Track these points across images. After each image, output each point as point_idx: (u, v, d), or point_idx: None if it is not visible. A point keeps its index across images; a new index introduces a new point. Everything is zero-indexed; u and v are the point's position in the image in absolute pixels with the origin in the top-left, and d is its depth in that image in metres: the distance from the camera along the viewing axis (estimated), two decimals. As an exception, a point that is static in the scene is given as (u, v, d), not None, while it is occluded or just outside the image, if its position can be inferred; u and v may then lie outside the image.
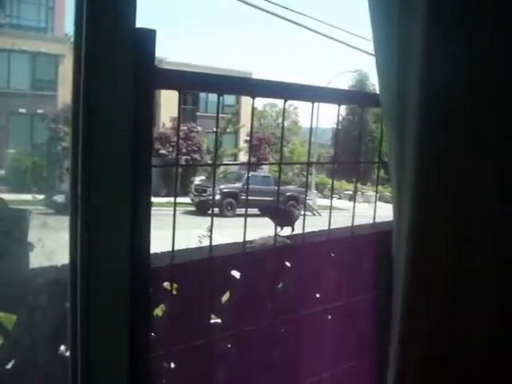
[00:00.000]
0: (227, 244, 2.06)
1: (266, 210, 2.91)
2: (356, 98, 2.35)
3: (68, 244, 1.28)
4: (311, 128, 2.16)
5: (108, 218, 1.31)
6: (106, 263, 1.30)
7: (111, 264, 1.31)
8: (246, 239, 2.00)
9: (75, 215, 1.27)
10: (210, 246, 1.81)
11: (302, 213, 2.39)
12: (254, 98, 1.73)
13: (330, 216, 2.19)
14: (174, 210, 1.68)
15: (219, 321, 2.01)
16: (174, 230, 1.59)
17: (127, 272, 1.32)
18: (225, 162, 27.62)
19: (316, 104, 1.94)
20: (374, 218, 2.35)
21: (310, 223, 2.23)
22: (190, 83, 1.60)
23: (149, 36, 1.34)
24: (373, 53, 1.33)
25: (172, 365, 1.86)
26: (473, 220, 1.19)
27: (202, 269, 1.86)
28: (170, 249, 1.74)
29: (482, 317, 1.20)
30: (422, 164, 1.18)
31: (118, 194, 1.30)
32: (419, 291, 1.22)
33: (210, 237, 1.80)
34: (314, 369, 2.21)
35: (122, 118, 1.29)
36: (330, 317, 2.28)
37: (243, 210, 19.62)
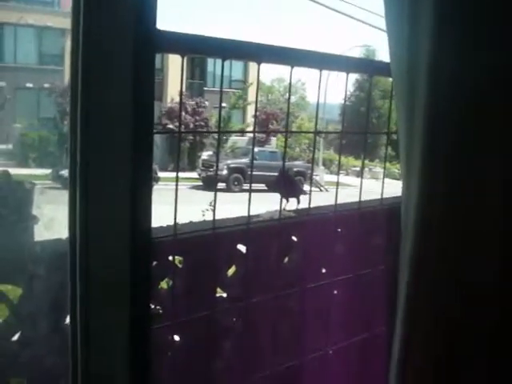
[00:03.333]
0: (233, 218, 2.04)
1: (272, 182, 2.87)
2: (364, 66, 2.30)
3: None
4: (318, 96, 2.12)
5: (108, 189, 1.27)
6: (105, 235, 1.27)
7: (111, 236, 1.28)
8: (253, 214, 1.99)
9: (74, 187, 1.24)
10: (214, 220, 1.79)
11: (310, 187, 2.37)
12: (259, 63, 1.68)
13: (337, 191, 2.17)
14: (177, 182, 1.65)
15: (225, 295, 2.01)
16: (176, 201, 1.56)
17: (127, 244, 1.29)
18: (229, 130, 27.45)
19: (324, 77, 1.89)
20: (382, 193, 2.33)
21: (317, 199, 2.22)
22: (193, 47, 1.54)
23: None
24: (382, 28, 1.31)
25: (177, 337, 1.86)
26: (479, 200, 1.17)
27: (207, 242, 1.85)
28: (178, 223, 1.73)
29: (487, 301, 1.19)
30: (430, 139, 1.17)
31: (118, 165, 1.27)
32: (424, 269, 1.21)
33: (214, 210, 1.79)
34: (321, 342, 2.21)
35: (121, 82, 1.24)
36: (336, 291, 2.27)
37: (253, 185, 19.58)
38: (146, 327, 1.38)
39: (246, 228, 1.92)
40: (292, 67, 1.79)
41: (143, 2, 1.26)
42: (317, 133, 2.33)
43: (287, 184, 2.42)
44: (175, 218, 1.61)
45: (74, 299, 1.27)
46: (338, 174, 2.44)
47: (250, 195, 1.88)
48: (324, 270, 2.24)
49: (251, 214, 2.00)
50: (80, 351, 1.28)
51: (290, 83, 2.04)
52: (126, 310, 1.31)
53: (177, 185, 1.62)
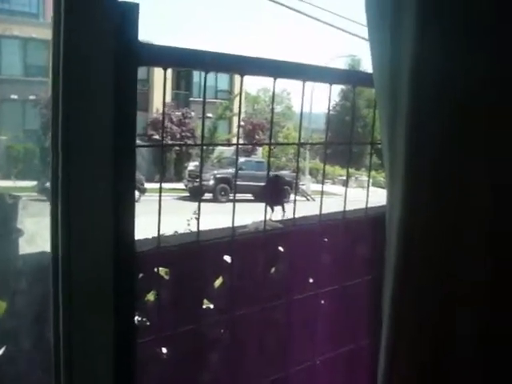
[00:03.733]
0: (219, 229, 2.04)
1: (260, 191, 2.93)
2: (347, 77, 2.32)
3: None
4: (302, 108, 2.12)
5: (90, 203, 1.26)
6: (88, 248, 1.26)
7: (94, 248, 1.27)
8: (240, 224, 1.99)
9: (56, 200, 1.23)
10: (198, 231, 1.79)
11: (295, 197, 2.37)
12: (242, 75, 1.69)
13: (322, 201, 2.17)
14: (160, 192, 1.65)
15: (211, 306, 2.00)
16: (159, 212, 1.55)
17: (111, 257, 1.28)
18: (212, 143, 27.46)
19: (310, 87, 1.90)
20: (367, 202, 2.34)
21: (303, 208, 2.22)
22: (176, 59, 1.53)
23: (132, 10, 1.28)
24: (365, 37, 1.32)
25: (164, 350, 1.85)
26: (465, 206, 1.18)
27: (193, 254, 1.84)
28: (163, 234, 1.73)
29: (472, 307, 1.20)
30: (413, 147, 1.17)
31: (100, 177, 1.25)
32: (408, 277, 1.22)
33: (198, 220, 1.79)
34: (309, 353, 2.21)
35: (102, 96, 1.23)
36: (322, 301, 2.27)
37: (238, 195, 19.64)
38: (130, 340, 1.37)
39: (232, 239, 1.92)
40: (275, 79, 1.79)
41: (124, 16, 1.26)
42: (300, 144, 2.33)
43: (274, 192, 2.42)
44: (159, 230, 1.60)
45: (57, 312, 1.26)
46: (322, 183, 2.44)
47: (234, 205, 1.89)
48: (311, 281, 2.23)
49: (238, 224, 2.00)
50: (63, 366, 1.27)
51: (274, 95, 2.05)
52: (109, 322, 1.30)
53: (160, 196, 1.62)
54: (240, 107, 1.88)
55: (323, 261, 2.26)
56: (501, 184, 1.15)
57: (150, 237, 1.78)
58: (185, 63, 1.65)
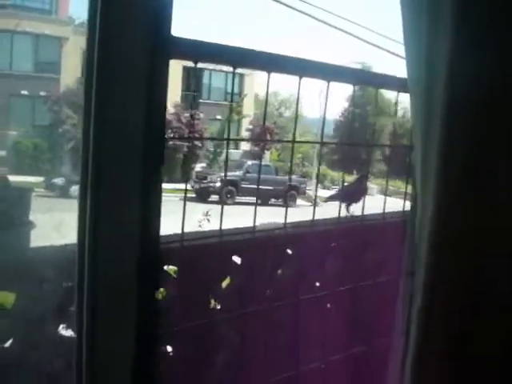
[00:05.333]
0: (228, 229, 2.05)
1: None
2: (372, 78, 2.30)
3: (75, 224, 1.25)
4: (325, 109, 2.14)
5: (118, 197, 1.27)
6: (115, 243, 1.27)
7: (120, 243, 1.28)
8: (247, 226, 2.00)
9: (84, 195, 1.23)
10: (220, 229, 1.80)
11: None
12: (269, 73, 1.69)
13: (340, 208, 2.19)
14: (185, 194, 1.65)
15: (219, 306, 2.01)
16: (184, 213, 1.57)
17: (137, 251, 1.28)
18: (236, 138, 27.49)
19: (319, 92, 1.91)
20: (384, 208, 2.35)
21: (309, 213, 2.23)
22: (206, 53, 1.54)
23: (166, 3, 1.29)
24: (376, 44, 1.32)
25: (169, 348, 1.86)
26: (497, 210, 1.18)
27: (202, 253, 1.85)
28: (172, 233, 1.74)
29: (502, 309, 1.20)
30: (446, 153, 1.17)
31: (129, 170, 1.26)
32: (441, 278, 1.21)
33: (221, 219, 1.80)
34: (316, 355, 2.21)
35: (135, 89, 1.24)
36: (330, 305, 2.28)
37: (244, 198, 19.62)
38: (153, 334, 1.37)
39: (242, 239, 1.93)
40: (301, 77, 1.79)
41: (159, 9, 1.27)
42: (322, 143, 2.36)
43: (356, 191, 2.53)
44: (183, 227, 1.60)
45: (81, 304, 1.27)
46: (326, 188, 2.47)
47: (255, 208, 1.90)
48: (318, 284, 2.24)
49: (245, 226, 2.02)
50: (85, 357, 1.27)
51: (299, 94, 2.04)
52: (133, 315, 1.31)
53: (185, 197, 1.63)
54: (266, 106, 1.87)
55: (331, 264, 2.27)
56: None
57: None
58: (214, 58, 1.66)
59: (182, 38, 1.36)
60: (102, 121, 1.21)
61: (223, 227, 2.04)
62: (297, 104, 2.33)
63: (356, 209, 2.31)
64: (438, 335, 1.23)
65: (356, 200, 2.45)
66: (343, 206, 2.44)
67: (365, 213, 2.35)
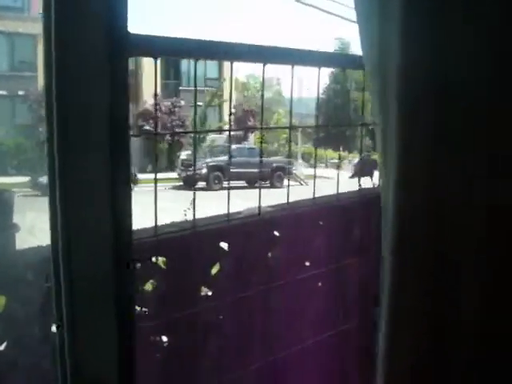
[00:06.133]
0: (213, 216, 2.05)
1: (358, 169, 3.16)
2: (337, 60, 2.33)
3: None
4: (291, 92, 2.13)
5: (87, 195, 1.27)
6: (87, 240, 1.28)
7: (93, 240, 1.28)
8: (235, 211, 2.01)
9: (54, 193, 1.24)
10: (194, 218, 1.80)
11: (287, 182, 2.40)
12: (232, 62, 1.70)
13: (315, 185, 2.19)
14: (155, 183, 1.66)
15: (210, 293, 2.01)
16: (155, 203, 1.57)
17: (110, 246, 1.29)
18: (206, 130, 27.41)
19: (299, 73, 1.91)
20: (359, 184, 2.36)
21: (298, 192, 2.24)
22: (166, 49, 1.55)
23: (120, 1, 1.28)
24: (354, 20, 1.32)
25: (164, 338, 1.87)
26: (458, 182, 1.19)
27: (190, 242, 1.85)
28: (159, 224, 1.74)
29: (469, 275, 1.21)
30: (405, 125, 1.18)
31: (96, 169, 1.27)
32: (405, 252, 1.23)
33: (194, 209, 1.80)
34: (306, 334, 2.23)
35: (96, 88, 1.24)
36: (320, 283, 2.29)
37: (232, 182, 19.62)
38: (131, 327, 1.38)
39: (228, 225, 1.94)
40: (264, 65, 1.80)
41: (114, 7, 1.26)
42: (291, 128, 2.36)
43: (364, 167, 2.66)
44: (156, 218, 1.61)
45: (60, 304, 1.28)
46: (314, 167, 2.47)
47: (229, 193, 1.90)
48: (306, 262, 2.25)
49: (233, 211, 2.02)
50: (68, 355, 1.28)
51: (263, 81, 2.05)
52: (111, 311, 1.32)
53: (156, 186, 1.64)
54: (231, 94, 1.89)
55: (317, 243, 2.28)
56: (494, 155, 1.16)
57: (147, 227, 1.80)
58: (174, 52, 1.66)
59: (140, 34, 1.36)
60: (65, 121, 1.22)
61: (213, 213, 2.06)
62: (262, 94, 2.33)
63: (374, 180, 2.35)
64: (409, 311, 1.25)
65: (373, 172, 2.52)
66: (367, 179, 2.51)
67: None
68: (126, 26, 1.29)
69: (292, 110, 2.26)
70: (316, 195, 2.26)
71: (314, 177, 2.23)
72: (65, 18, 1.19)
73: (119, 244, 1.30)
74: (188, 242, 1.87)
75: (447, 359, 1.23)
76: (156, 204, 1.62)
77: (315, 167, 2.52)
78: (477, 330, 1.21)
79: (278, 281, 2.11)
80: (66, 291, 1.25)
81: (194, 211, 1.82)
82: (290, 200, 2.20)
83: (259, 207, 2.06)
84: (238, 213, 2.10)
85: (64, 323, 1.27)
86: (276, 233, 2.19)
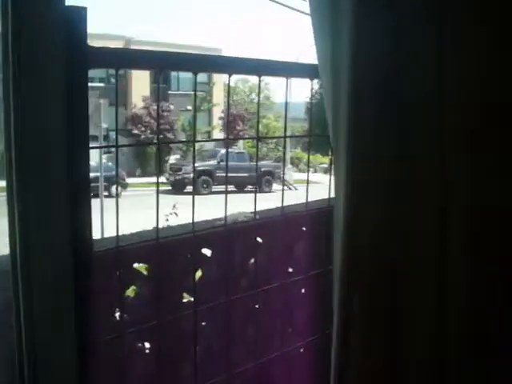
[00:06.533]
0: (197, 222, 2.04)
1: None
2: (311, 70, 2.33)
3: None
4: (286, 104, 2.17)
5: (45, 204, 1.28)
6: (46, 249, 1.28)
7: (51, 250, 1.29)
8: (219, 216, 2.01)
9: (12, 203, 1.24)
10: (167, 226, 1.81)
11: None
12: (195, 73, 1.70)
13: (307, 191, 2.20)
14: (117, 189, 1.65)
15: (192, 299, 2.01)
16: (117, 210, 1.56)
17: (69, 257, 1.30)
18: (203, 140, 27.50)
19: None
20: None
21: (287, 197, 2.24)
22: (127, 60, 1.54)
23: (80, 14, 1.29)
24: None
25: (146, 344, 1.87)
26: (410, 185, 1.20)
27: (171, 248, 1.85)
28: (149, 228, 1.73)
29: (423, 299, 1.22)
30: (356, 125, 1.19)
31: (54, 179, 1.28)
32: (355, 263, 1.23)
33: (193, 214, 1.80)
34: (288, 340, 2.23)
35: (54, 101, 1.25)
36: (303, 290, 2.29)
37: (220, 187, 19.63)
38: (91, 337, 1.38)
39: (211, 232, 1.94)
40: (230, 75, 1.81)
41: (72, 20, 1.27)
42: (286, 137, 2.38)
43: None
44: (117, 227, 1.58)
45: (19, 315, 1.28)
46: (308, 172, 2.49)
47: (193, 199, 1.90)
48: (290, 269, 2.25)
49: (218, 217, 2.02)
50: (26, 364, 1.28)
51: (259, 92, 2.06)
52: (71, 321, 1.32)
53: (117, 194, 1.63)
54: (228, 104, 1.90)
55: (303, 249, 2.28)
56: (448, 158, 1.17)
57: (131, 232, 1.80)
58: (134, 64, 1.66)
59: (100, 47, 1.37)
60: (24, 133, 1.23)
61: (200, 218, 2.05)
62: (258, 105, 2.34)
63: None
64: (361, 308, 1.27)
65: None
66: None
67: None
68: (85, 39, 1.30)
69: (286, 119, 2.30)
70: (305, 200, 2.26)
71: (307, 182, 2.24)
72: (22, 31, 1.19)
73: (79, 254, 1.31)
74: (170, 249, 1.86)
75: (400, 360, 1.25)
76: (118, 213, 1.60)
77: (308, 171, 2.55)
78: (432, 330, 1.23)
79: (261, 287, 2.11)
80: (24, 302, 1.26)
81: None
82: (279, 205, 2.20)
83: (241, 214, 2.06)
84: (220, 219, 2.10)
85: (23, 334, 1.27)
86: (259, 239, 2.19)
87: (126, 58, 1.54)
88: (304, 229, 2.33)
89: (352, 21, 1.14)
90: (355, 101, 1.17)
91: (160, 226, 1.91)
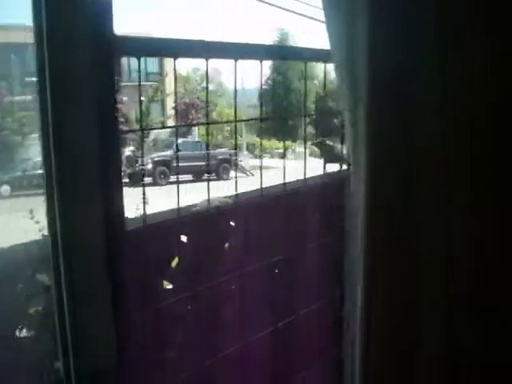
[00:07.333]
0: (170, 210, 2.06)
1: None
2: (278, 52, 2.37)
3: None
4: (235, 86, 2.16)
5: (81, 189, 1.35)
6: (80, 232, 1.35)
7: (85, 233, 1.35)
8: (189, 204, 2.03)
9: (51, 187, 1.30)
10: (144, 213, 1.84)
11: (235, 174, 2.43)
12: (175, 58, 1.73)
13: (261, 175, 2.24)
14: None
15: (171, 286, 2.03)
16: None
17: (103, 237, 1.38)
18: (152, 127, 27.21)
19: (240, 65, 1.91)
20: (305, 174, 2.40)
21: (244, 184, 2.26)
22: (148, 49, 1.66)
23: (105, 4, 1.36)
24: (293, 10, 1.36)
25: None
26: (424, 162, 1.24)
27: (146, 237, 1.87)
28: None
29: (438, 274, 1.27)
30: (375, 118, 1.22)
31: (88, 165, 1.35)
32: (377, 239, 1.27)
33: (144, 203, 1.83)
34: (266, 322, 2.27)
35: (85, 89, 1.32)
36: (276, 270, 2.33)
37: (179, 176, 19.41)
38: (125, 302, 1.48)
39: (186, 218, 1.96)
40: (207, 60, 1.83)
41: (99, 11, 1.32)
42: (236, 121, 2.37)
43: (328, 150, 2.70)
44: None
45: (61, 301, 1.32)
46: (261, 158, 2.52)
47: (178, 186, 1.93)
48: (264, 250, 2.28)
49: (188, 204, 2.04)
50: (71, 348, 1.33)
51: (207, 75, 2.07)
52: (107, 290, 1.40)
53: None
54: (176, 89, 1.91)
55: (272, 231, 2.32)
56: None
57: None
58: (156, 52, 1.72)
59: (124, 36, 1.43)
60: (59, 122, 1.27)
61: (164, 208, 2.07)
62: (206, 88, 2.36)
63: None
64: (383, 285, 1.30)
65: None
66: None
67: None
68: (112, 29, 1.38)
69: (236, 103, 2.29)
70: (265, 185, 2.29)
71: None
72: (54, 24, 1.26)
73: (111, 233, 1.37)
74: (147, 236, 1.88)
75: (421, 329, 1.29)
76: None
77: (262, 157, 2.58)
78: (460, 304, 1.27)
79: (237, 270, 2.15)
80: (66, 283, 1.31)
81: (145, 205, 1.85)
82: (239, 191, 2.23)
83: (209, 199, 2.08)
84: (194, 205, 2.12)
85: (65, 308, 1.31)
86: (232, 223, 2.22)
87: (147, 47, 1.63)
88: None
89: (368, 18, 1.17)
90: (373, 93, 1.20)
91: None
